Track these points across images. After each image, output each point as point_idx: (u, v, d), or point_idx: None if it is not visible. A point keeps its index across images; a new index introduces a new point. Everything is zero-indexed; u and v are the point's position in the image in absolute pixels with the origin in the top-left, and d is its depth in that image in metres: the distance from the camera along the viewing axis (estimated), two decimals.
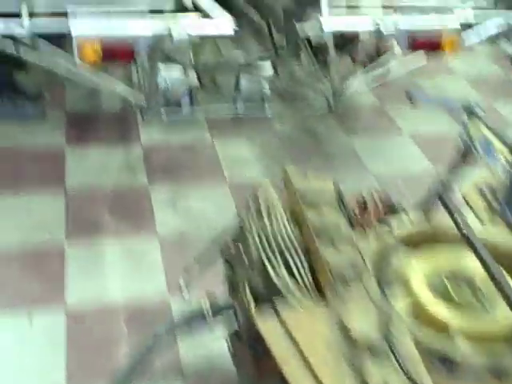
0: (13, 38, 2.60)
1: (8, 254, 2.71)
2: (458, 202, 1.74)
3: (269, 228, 1.59)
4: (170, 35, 2.38)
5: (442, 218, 1.63)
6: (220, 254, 1.83)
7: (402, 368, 1.26)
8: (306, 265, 1.50)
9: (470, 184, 1.92)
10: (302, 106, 3.48)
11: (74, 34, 2.29)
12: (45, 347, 2.32)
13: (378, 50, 3.95)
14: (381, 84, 3.52)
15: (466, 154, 1.87)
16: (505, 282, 1.35)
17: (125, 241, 2.84)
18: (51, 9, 2.63)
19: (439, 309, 1.44)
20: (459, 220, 1.48)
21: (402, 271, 1.54)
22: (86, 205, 3.02)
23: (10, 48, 2.65)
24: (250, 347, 1.57)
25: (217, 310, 1.98)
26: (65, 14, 2.48)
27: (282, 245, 1.53)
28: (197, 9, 2.75)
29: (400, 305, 1.49)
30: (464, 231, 1.45)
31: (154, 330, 2.10)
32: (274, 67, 3.59)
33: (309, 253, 1.54)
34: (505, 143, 1.71)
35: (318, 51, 3.51)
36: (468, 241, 1.44)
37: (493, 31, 3.09)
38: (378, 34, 2.65)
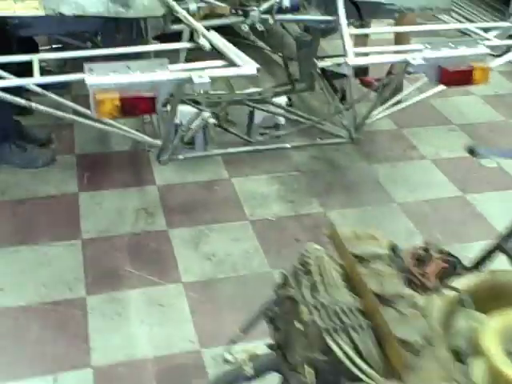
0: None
1: (27, 313, 2.60)
2: None
3: (327, 299, 1.47)
4: (191, 80, 2.28)
5: (507, 273, 1.52)
6: (268, 325, 1.70)
7: None
8: (373, 339, 1.38)
9: None
10: (322, 137, 3.37)
11: (89, 83, 2.18)
12: None
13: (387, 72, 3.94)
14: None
15: None
16: None
17: (148, 290, 2.74)
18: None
19: None
20: None
21: (474, 333, 1.43)
22: (105, 253, 2.92)
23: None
24: None
25: (261, 371, 1.85)
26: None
27: (344, 318, 1.41)
28: (213, 47, 2.64)
29: (476, 371, 1.37)
30: None
31: None
32: (289, 98, 3.52)
33: (370, 319, 1.42)
34: None
35: (333, 81, 3.42)
36: None
37: None
38: (406, 67, 2.54)
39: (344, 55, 3.10)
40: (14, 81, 2.40)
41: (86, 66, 2.24)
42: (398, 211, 3.25)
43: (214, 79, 2.29)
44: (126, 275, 2.80)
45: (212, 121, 2.90)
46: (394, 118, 3.92)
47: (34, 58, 2.50)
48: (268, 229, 3.09)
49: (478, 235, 2.97)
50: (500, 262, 1.63)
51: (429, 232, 3.08)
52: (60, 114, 2.68)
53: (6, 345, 2.46)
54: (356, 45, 3.02)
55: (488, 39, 2.81)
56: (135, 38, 3.13)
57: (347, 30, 2.86)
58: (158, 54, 2.76)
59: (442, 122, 4.07)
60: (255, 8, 3.04)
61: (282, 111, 3.41)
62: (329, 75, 3.47)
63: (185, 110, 3.03)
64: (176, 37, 2.93)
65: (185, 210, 3.19)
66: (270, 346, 1.68)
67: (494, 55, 2.81)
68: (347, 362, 1.33)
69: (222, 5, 3.09)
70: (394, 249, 1.68)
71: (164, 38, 3.06)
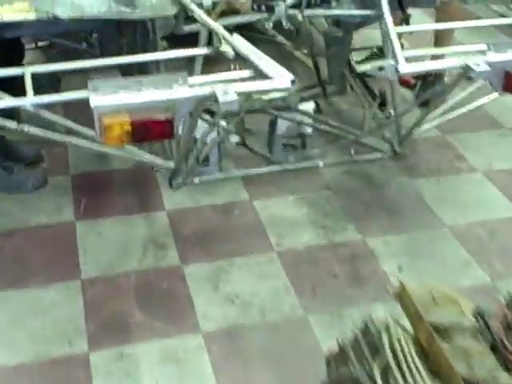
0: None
1: (19, 374, 2.41)
2: None
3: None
4: (215, 98, 2.07)
5: None
6: None
7: None
8: None
9: None
10: (357, 149, 3.18)
11: (94, 105, 1.99)
12: None
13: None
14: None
15: None
16: None
17: (161, 343, 2.55)
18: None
19: None
20: None
21: None
22: (109, 297, 2.72)
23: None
24: None
25: None
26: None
27: None
28: (237, 55, 2.45)
29: None
30: None
31: None
32: (317, 104, 3.30)
33: None
34: None
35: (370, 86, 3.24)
36: None
37: None
38: (466, 73, 2.34)
39: (379, 55, 2.91)
40: (5, 102, 2.25)
41: (90, 83, 2.06)
42: (448, 236, 3.06)
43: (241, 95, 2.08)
44: (134, 324, 2.62)
45: (235, 139, 2.69)
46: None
47: (26, 72, 2.34)
48: (298, 262, 2.91)
49: None
50: None
51: (487, 262, 2.91)
52: (58, 137, 2.52)
53: None
54: None
55: None
56: (141, 39, 2.94)
57: (394, 29, 2.65)
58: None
59: (491, 125, 3.87)
60: (281, 2, 2.86)
61: (309, 120, 3.19)
62: (362, 75, 3.28)
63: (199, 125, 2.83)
64: (189, 38, 2.77)
65: (200, 241, 3.01)
66: None
67: None
68: None
69: None
70: (480, 314, 1.48)
71: (174, 37, 2.90)
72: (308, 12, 2.93)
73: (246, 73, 2.33)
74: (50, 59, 4.10)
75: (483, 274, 2.83)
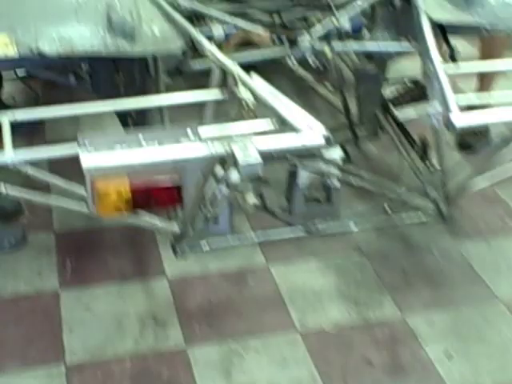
0: None
1: None
2: None
3: None
4: (233, 158, 1.85)
5: None
6: None
7: None
8: None
9: None
10: (393, 207, 2.93)
11: (86, 166, 1.77)
12: None
13: None
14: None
15: None
16: None
17: None
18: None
19: None
20: None
21: None
22: None
23: None
24: None
25: None
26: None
27: None
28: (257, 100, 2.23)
29: None
30: None
31: None
32: (345, 151, 3.06)
33: None
34: None
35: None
36: None
37: None
38: None
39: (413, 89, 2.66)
40: None
41: (81, 137, 1.87)
42: (505, 313, 2.82)
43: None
44: None
45: (252, 201, 2.45)
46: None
47: (3, 120, 2.18)
48: (326, 345, 2.67)
49: None
50: None
51: None
52: (41, 198, 2.36)
53: None
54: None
55: None
56: (140, 75, 2.75)
57: (443, 69, 2.46)
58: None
59: None
60: (306, 34, 2.70)
61: (336, 170, 2.96)
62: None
63: None
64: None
65: (208, 317, 2.77)
66: None
67: None
68: None
69: (260, 31, 2.74)
70: None
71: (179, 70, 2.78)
72: (338, 46, 2.77)
73: (267, 123, 2.14)
74: (32, 91, 3.96)
75: None
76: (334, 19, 2.76)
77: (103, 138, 1.93)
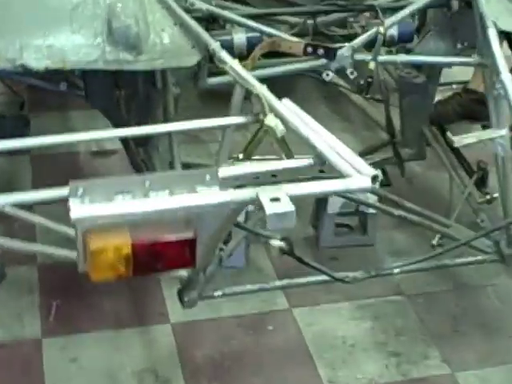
0: None
1: None
2: None
3: None
4: (260, 206, 1.65)
5: None
6: None
7: None
8: None
9: None
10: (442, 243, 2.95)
11: (75, 217, 1.58)
12: None
13: None
14: None
15: None
16: None
17: None
18: None
19: None
20: None
21: None
22: None
23: None
24: None
25: None
26: None
27: None
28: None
29: None
30: None
31: None
32: (384, 172, 3.03)
33: None
34: None
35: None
36: None
37: None
38: None
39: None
40: None
41: (73, 184, 1.66)
42: None
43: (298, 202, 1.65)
44: None
45: (277, 243, 2.30)
46: None
47: None
48: None
49: None
50: None
51: None
52: (25, 246, 2.26)
53: None
54: None
55: None
56: (144, 88, 2.71)
57: None
58: None
59: None
60: (345, 44, 2.61)
61: (373, 196, 2.87)
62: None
63: None
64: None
65: (219, 372, 2.69)
66: None
67: None
68: None
69: (293, 38, 2.64)
70: None
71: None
72: (383, 58, 2.72)
73: (303, 161, 1.96)
74: (17, 96, 4.02)
75: None
76: (379, 26, 2.66)
77: (100, 187, 1.73)
